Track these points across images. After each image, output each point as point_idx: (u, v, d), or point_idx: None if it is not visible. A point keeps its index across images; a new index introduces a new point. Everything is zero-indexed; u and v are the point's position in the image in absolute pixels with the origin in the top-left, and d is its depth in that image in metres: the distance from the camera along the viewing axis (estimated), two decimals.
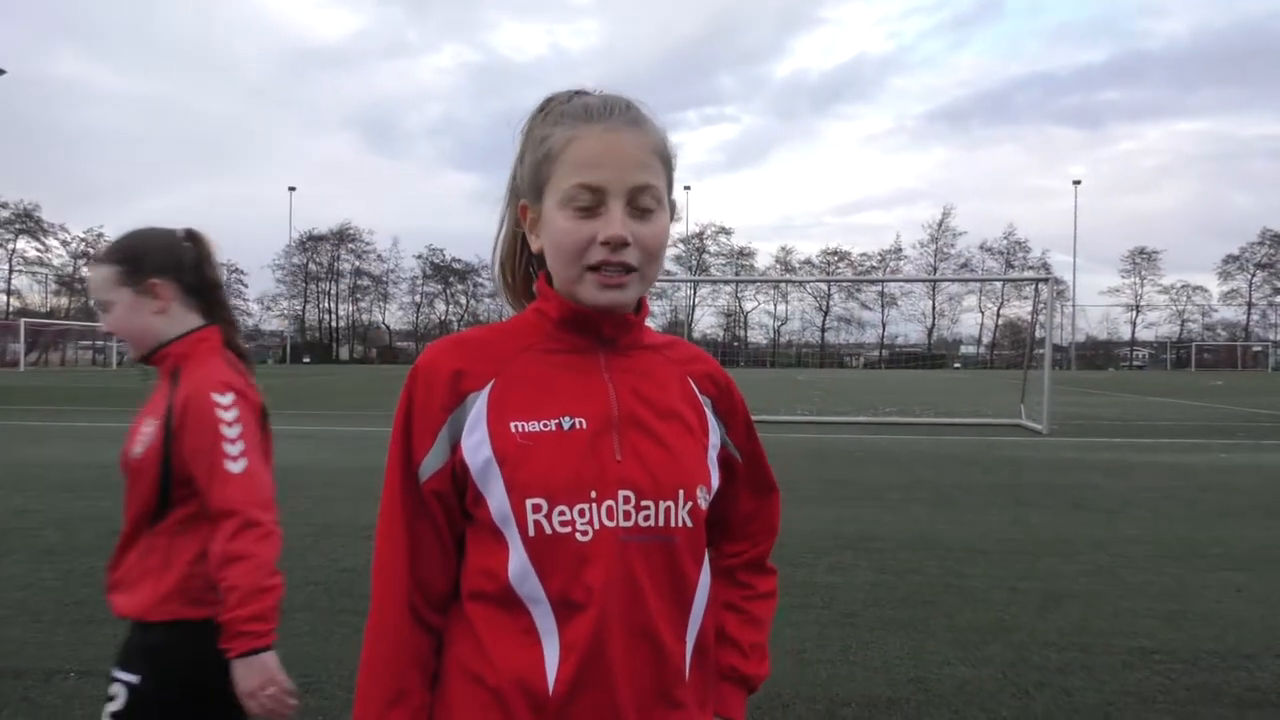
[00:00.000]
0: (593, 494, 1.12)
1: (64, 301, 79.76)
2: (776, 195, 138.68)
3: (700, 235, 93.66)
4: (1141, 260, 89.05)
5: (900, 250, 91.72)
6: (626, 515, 1.13)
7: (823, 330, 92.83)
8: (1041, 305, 20.14)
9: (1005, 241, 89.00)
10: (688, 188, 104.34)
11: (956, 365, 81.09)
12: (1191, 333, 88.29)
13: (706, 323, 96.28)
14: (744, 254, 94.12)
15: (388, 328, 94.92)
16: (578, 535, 1.11)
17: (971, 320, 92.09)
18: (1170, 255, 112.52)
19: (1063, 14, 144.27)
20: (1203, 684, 3.87)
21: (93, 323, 76.83)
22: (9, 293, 74.41)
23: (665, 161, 1.20)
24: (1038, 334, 21.69)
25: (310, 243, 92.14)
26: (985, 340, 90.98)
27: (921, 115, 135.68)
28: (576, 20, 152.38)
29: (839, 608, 4.97)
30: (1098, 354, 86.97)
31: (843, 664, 4.10)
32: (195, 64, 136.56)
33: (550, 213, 1.16)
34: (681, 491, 1.17)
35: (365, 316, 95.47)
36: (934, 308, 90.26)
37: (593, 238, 1.13)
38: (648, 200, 1.15)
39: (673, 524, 1.15)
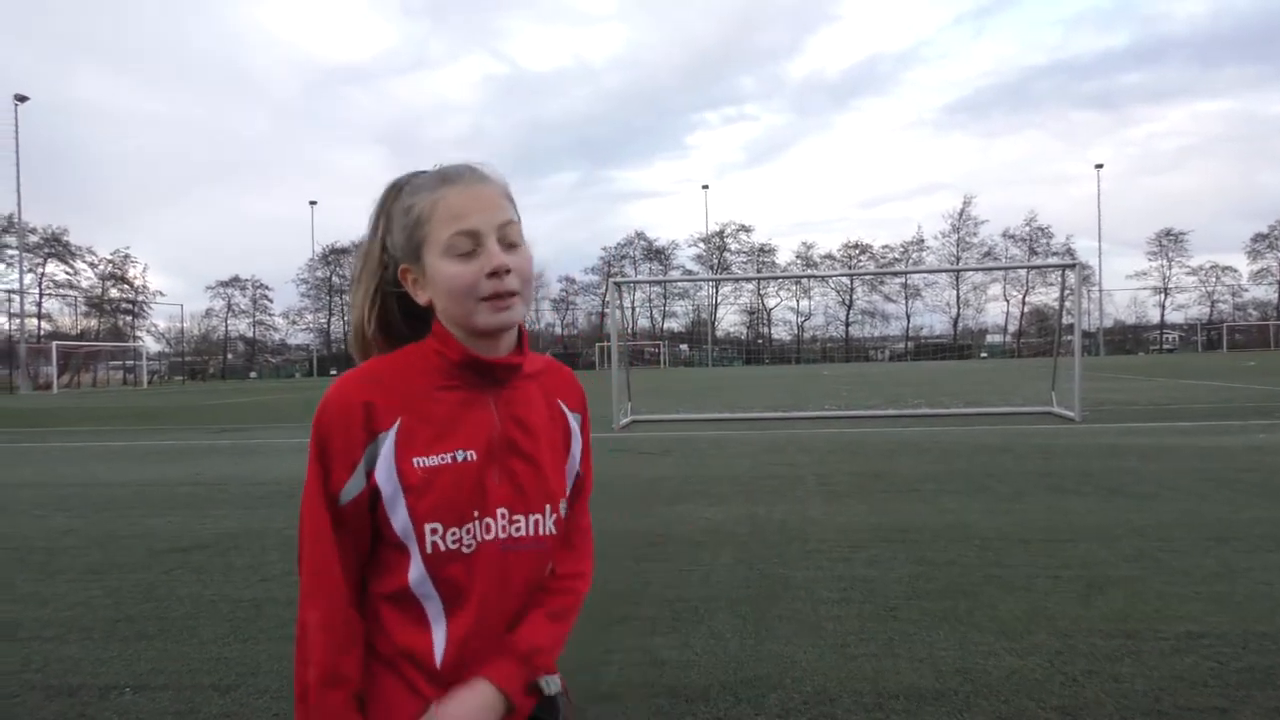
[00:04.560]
0: (476, 514, 1.36)
1: (93, 323, 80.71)
2: (797, 192, 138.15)
3: (721, 234, 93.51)
4: (1168, 242, 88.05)
5: (922, 241, 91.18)
6: (503, 529, 1.38)
7: (846, 324, 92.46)
8: (1069, 291, 19.97)
9: (1028, 228, 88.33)
10: (706, 187, 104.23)
11: (983, 355, 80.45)
12: (1222, 314, 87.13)
13: (729, 321, 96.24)
14: (765, 251, 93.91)
15: None
16: (464, 549, 1.36)
17: (997, 309, 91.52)
18: (1198, 236, 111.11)
19: (1081, 1, 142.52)
20: (1253, 666, 3.83)
21: (122, 343, 77.87)
22: (40, 316, 75.33)
23: (513, 203, 1.45)
24: (1066, 320, 21.49)
25: (333, 256, 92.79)
26: (1011, 329, 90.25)
27: (941, 107, 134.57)
28: (597, 27, 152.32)
29: (879, 601, 4.96)
30: (1126, 338, 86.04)
31: (887, 657, 4.10)
32: (217, 84, 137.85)
33: (435, 264, 1.36)
34: (548, 505, 1.43)
35: None
36: (958, 297, 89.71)
37: (479, 274, 1.34)
38: (513, 234, 1.39)
39: (541, 532, 1.42)
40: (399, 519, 1.33)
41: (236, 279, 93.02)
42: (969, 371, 43.87)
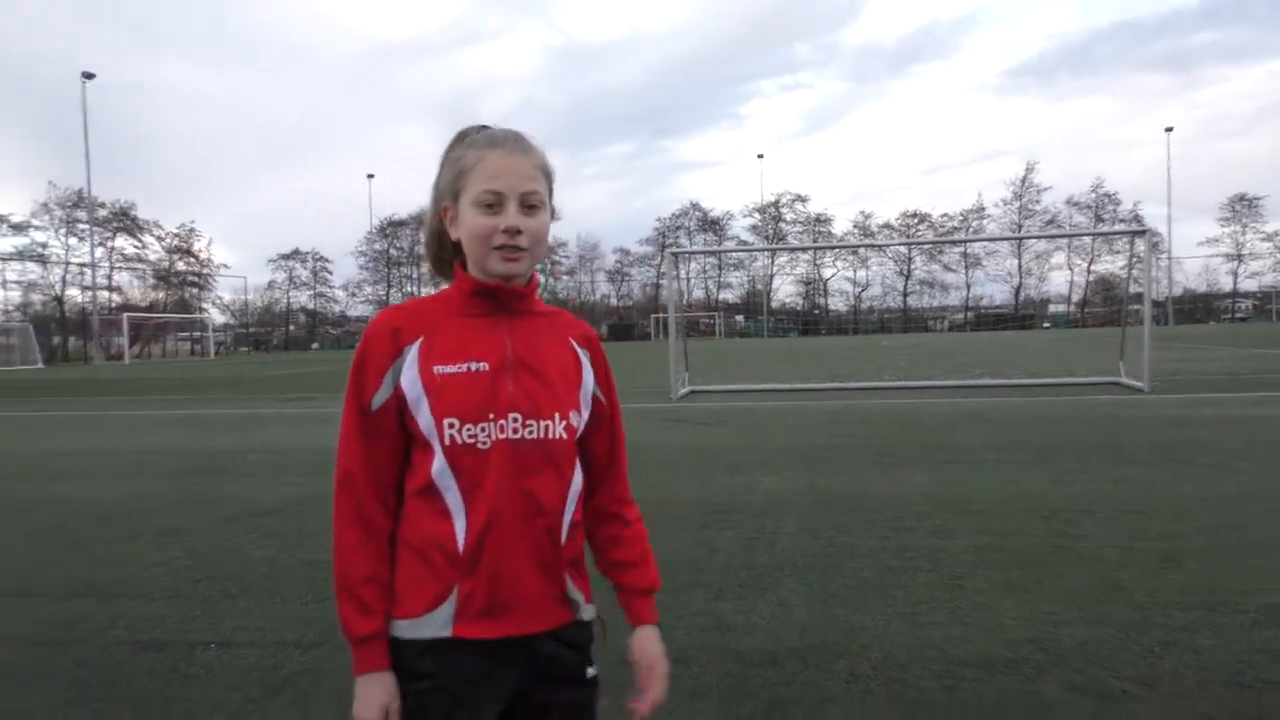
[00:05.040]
0: (490, 415, 1.55)
1: (161, 296, 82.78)
2: (854, 161, 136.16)
3: (776, 204, 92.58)
4: (1242, 208, 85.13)
5: (983, 209, 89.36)
6: (515, 430, 1.56)
7: (905, 295, 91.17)
8: (1137, 259, 19.47)
9: (1093, 195, 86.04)
10: (761, 156, 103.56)
11: (1046, 325, 78.80)
12: None
13: (785, 292, 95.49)
14: (821, 221, 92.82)
15: None
16: (479, 445, 1.55)
17: (1060, 278, 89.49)
18: (1274, 201, 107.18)
19: None
20: None
21: (189, 315, 79.84)
22: (110, 288, 77.45)
23: (547, 175, 1.67)
24: (1135, 288, 20.94)
25: (390, 228, 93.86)
26: (1075, 298, 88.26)
27: (1002, 71, 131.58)
28: None
29: (945, 570, 4.93)
30: (1196, 307, 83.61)
31: (956, 625, 4.07)
32: (278, 62, 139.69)
33: (465, 210, 1.62)
34: (557, 414, 1.61)
35: None
36: (1020, 266, 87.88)
37: (495, 228, 1.59)
38: (534, 200, 1.62)
39: (550, 436, 1.59)
40: (423, 418, 1.56)
41: (297, 251, 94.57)
42: (1031, 342, 43.07)
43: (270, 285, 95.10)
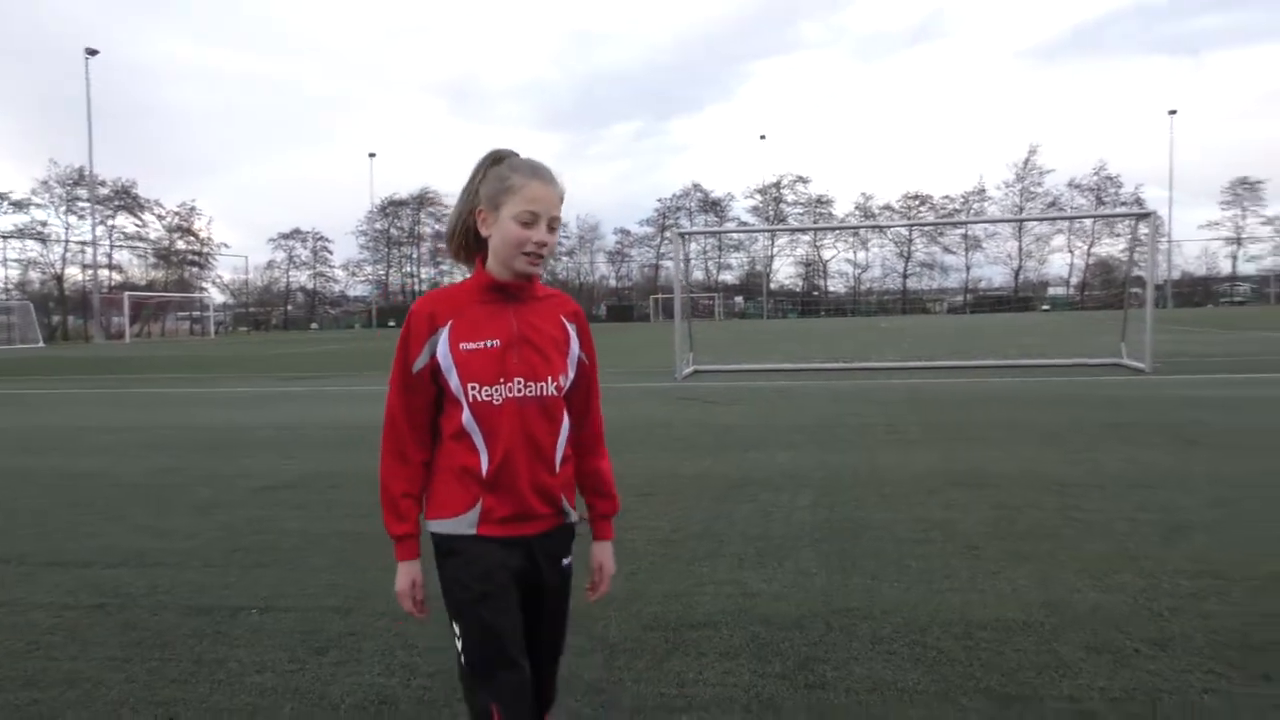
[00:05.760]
0: (501, 380, 2.07)
1: (161, 275, 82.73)
2: (856, 142, 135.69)
3: (777, 185, 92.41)
4: (1244, 191, 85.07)
5: (984, 191, 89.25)
6: (519, 391, 2.08)
7: (904, 276, 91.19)
8: (1139, 242, 19.56)
9: (1095, 177, 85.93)
10: (763, 137, 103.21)
11: (1045, 307, 78.93)
12: None
13: (784, 273, 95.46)
14: (822, 202, 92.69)
15: None
16: (494, 402, 2.08)
17: (1060, 261, 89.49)
18: (1275, 184, 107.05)
19: None
20: None
21: (189, 294, 79.82)
22: (110, 267, 77.39)
23: (562, 200, 2.14)
24: (1138, 271, 21.07)
25: (391, 208, 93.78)
26: (1074, 280, 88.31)
27: (1007, 53, 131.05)
28: None
29: (960, 541, 5.08)
30: (1196, 290, 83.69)
31: (972, 592, 4.22)
32: (281, 38, 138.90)
33: (505, 220, 2.07)
34: (549, 377, 2.12)
35: (446, 279, 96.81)
36: (1020, 249, 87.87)
37: (529, 239, 2.07)
38: (556, 223, 2.13)
39: (545, 394, 2.11)
40: (453, 381, 2.08)
41: (297, 231, 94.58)
42: (1032, 324, 43.19)
43: (270, 265, 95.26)
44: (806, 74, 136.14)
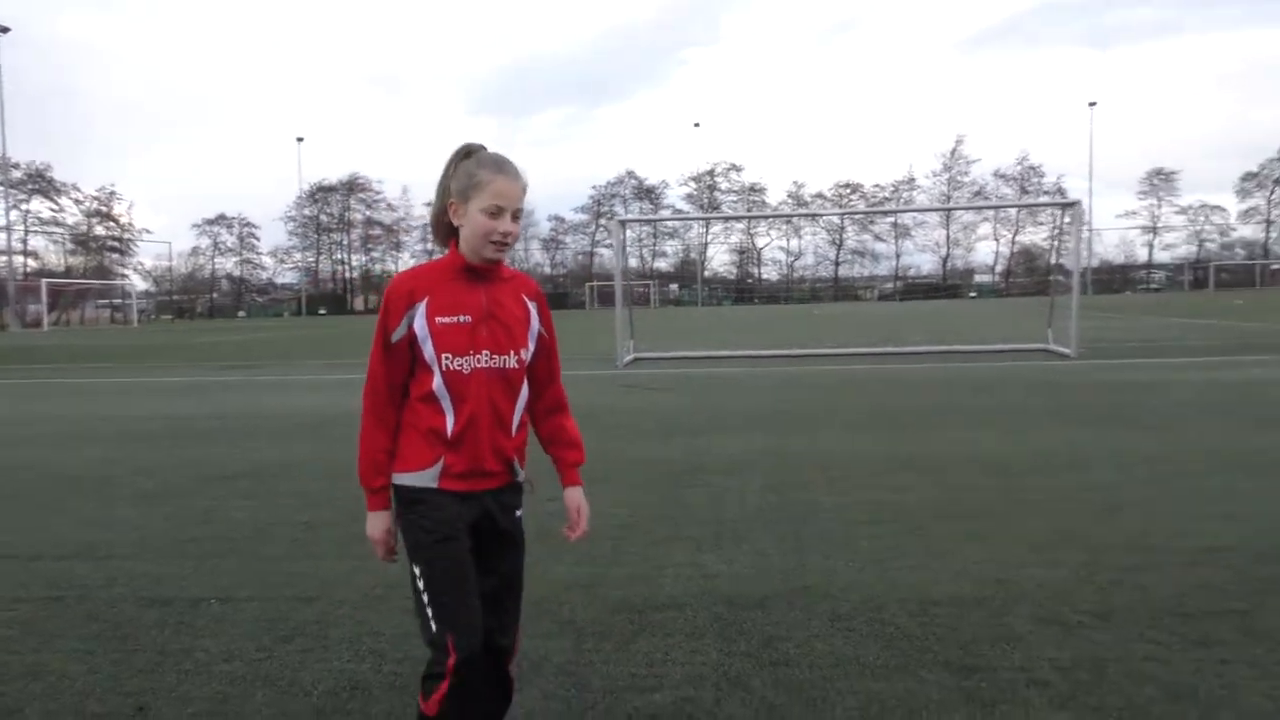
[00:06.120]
0: (471, 352, 2.29)
1: (79, 261, 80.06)
2: (788, 129, 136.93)
3: (711, 173, 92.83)
4: (1159, 181, 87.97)
5: (913, 180, 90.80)
6: (486, 361, 2.30)
7: (836, 264, 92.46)
8: (1058, 230, 20.14)
9: (1019, 167, 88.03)
10: (697, 125, 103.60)
11: (972, 294, 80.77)
12: (1209, 253, 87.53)
13: (719, 260, 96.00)
14: (755, 190, 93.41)
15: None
16: (464, 370, 2.29)
17: (986, 248, 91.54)
18: (1188, 175, 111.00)
19: None
20: (1268, 576, 4.12)
21: (110, 281, 77.40)
22: (25, 253, 74.63)
23: (525, 192, 2.35)
24: (1056, 259, 21.70)
25: (320, 194, 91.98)
26: (999, 268, 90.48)
27: (935, 43, 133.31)
28: None
29: (908, 521, 5.24)
30: (1114, 278, 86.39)
31: (924, 570, 4.37)
32: (206, 20, 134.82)
33: (473, 212, 2.28)
34: (512, 351, 2.35)
35: (378, 266, 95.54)
36: (948, 237, 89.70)
37: (495, 229, 2.27)
38: (519, 215, 2.34)
39: (508, 365, 2.34)
40: (428, 351, 2.28)
41: (223, 216, 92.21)
42: (961, 310, 44.21)
43: (194, 251, 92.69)
44: (739, 62, 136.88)
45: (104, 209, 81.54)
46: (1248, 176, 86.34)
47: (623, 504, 5.84)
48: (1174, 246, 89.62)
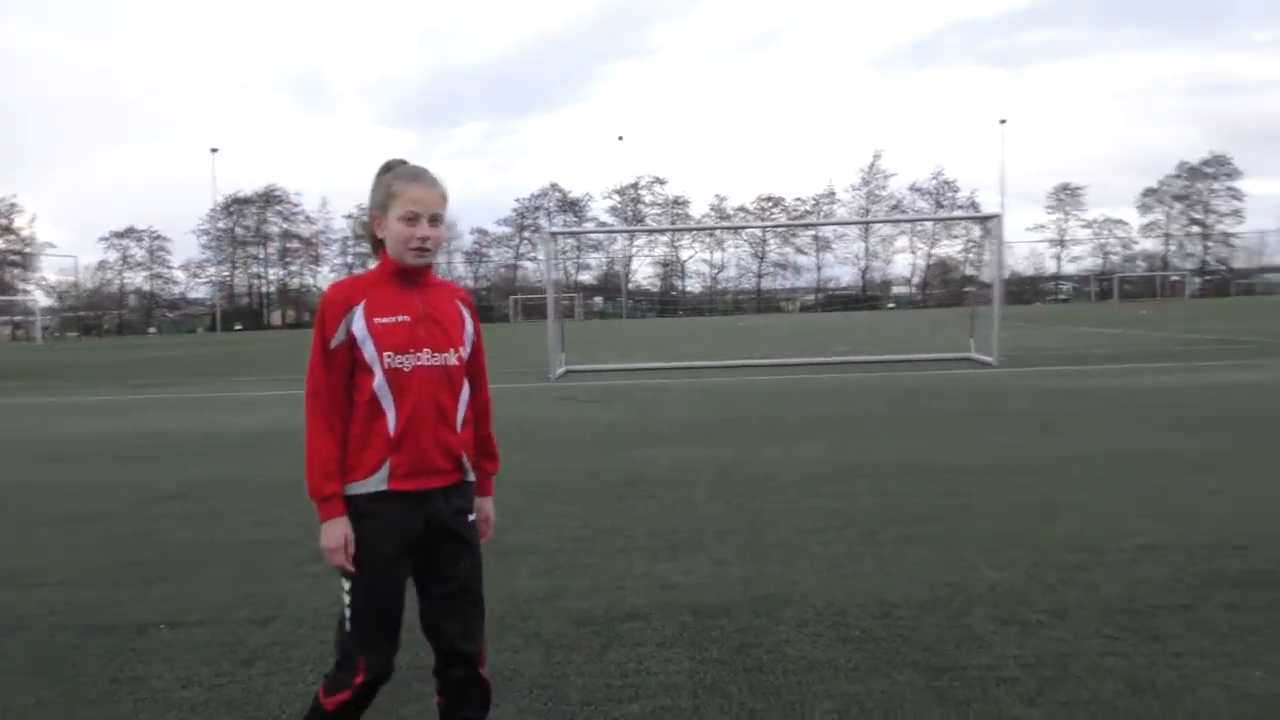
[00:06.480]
0: (411, 350, 2.33)
1: None
2: (711, 144, 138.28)
3: (635, 186, 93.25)
4: (1066, 196, 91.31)
5: (833, 194, 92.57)
6: (426, 360, 2.35)
7: (759, 276, 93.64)
8: (973, 243, 20.70)
9: (934, 182, 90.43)
10: (621, 138, 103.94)
11: (891, 305, 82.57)
12: (1113, 265, 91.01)
13: (643, 273, 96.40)
14: (679, 203, 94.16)
15: (320, 290, 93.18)
16: (405, 369, 2.33)
17: (904, 261, 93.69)
18: (1093, 191, 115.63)
19: None
20: (1205, 571, 4.30)
21: (11, 297, 74.24)
22: None
23: (444, 198, 2.44)
24: (970, 270, 22.33)
25: (235, 206, 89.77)
26: (916, 280, 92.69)
27: (853, 61, 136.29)
28: None
29: (858, 528, 5.32)
30: (1024, 289, 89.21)
31: (880, 574, 4.45)
32: (110, 24, 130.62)
33: (392, 221, 2.37)
34: (452, 349, 2.40)
35: (296, 280, 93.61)
36: (867, 250, 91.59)
37: (413, 234, 2.35)
38: (438, 218, 2.41)
39: (449, 363, 2.39)
40: (369, 351, 2.31)
41: (132, 229, 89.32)
42: (881, 321, 45.15)
43: (102, 265, 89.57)
44: (662, 76, 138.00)
45: (4, 221, 78.29)
46: (1148, 192, 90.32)
47: (572, 516, 5.83)
48: (1080, 259, 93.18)
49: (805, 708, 3.06)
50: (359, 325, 2.32)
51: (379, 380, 2.31)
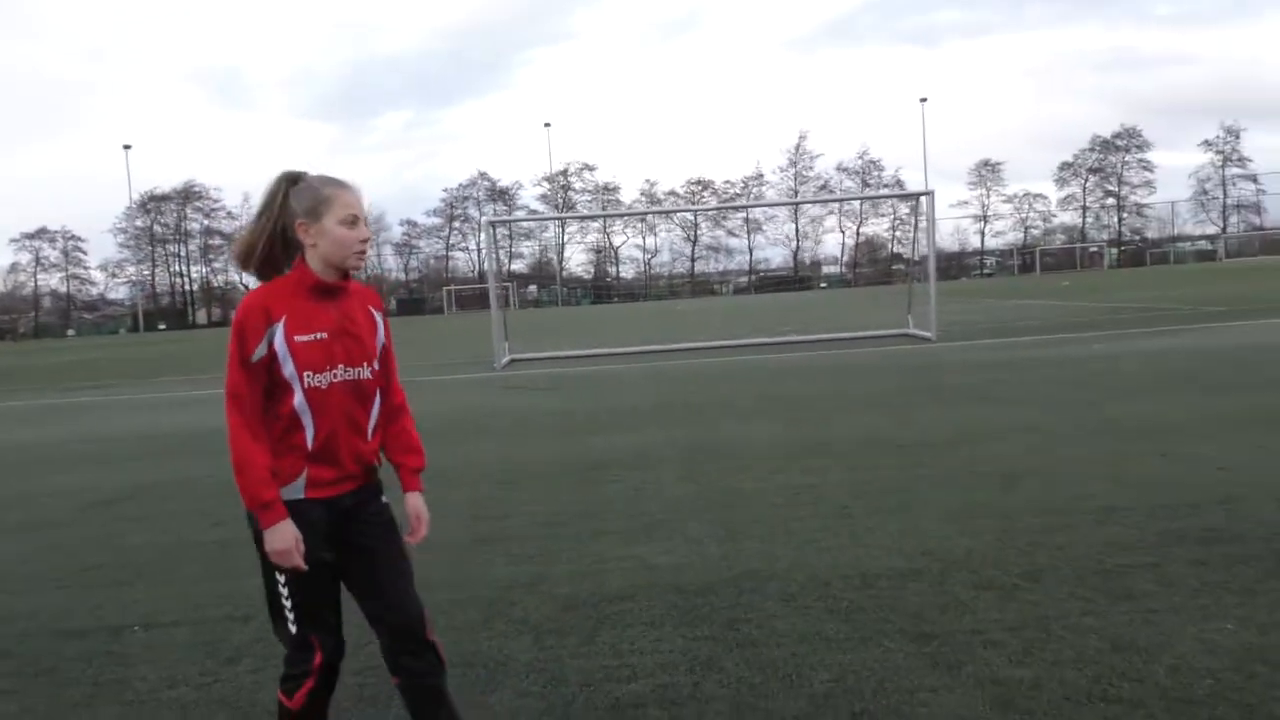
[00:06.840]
0: (328, 367, 2.35)
1: None
2: (639, 129, 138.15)
3: (565, 173, 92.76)
4: (986, 172, 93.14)
5: (761, 176, 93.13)
6: (341, 375, 2.37)
7: (692, 260, 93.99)
8: (899, 220, 21.11)
9: (860, 161, 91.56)
10: (548, 125, 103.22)
11: (822, 285, 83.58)
12: (1034, 238, 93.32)
13: (577, 260, 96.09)
14: (609, 189, 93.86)
15: (245, 287, 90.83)
16: (322, 385, 2.35)
17: (833, 240, 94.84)
18: (1012, 166, 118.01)
19: None
20: (1166, 530, 4.46)
21: None
22: None
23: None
24: (900, 248, 22.76)
25: (152, 203, 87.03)
26: (845, 259, 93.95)
27: (773, 42, 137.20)
28: None
29: (829, 504, 5.40)
30: (950, 264, 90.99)
31: (855, 548, 4.53)
32: (11, 15, 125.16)
33: (330, 226, 2.36)
34: (365, 363, 2.43)
35: (220, 277, 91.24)
36: (798, 230, 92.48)
37: (356, 238, 2.39)
38: (367, 220, 2.47)
39: (362, 376, 2.43)
40: (288, 369, 2.32)
41: (44, 230, 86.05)
42: (815, 301, 45.72)
43: (14, 268, 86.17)
44: (584, 62, 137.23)
45: None
46: (1064, 166, 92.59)
47: (540, 503, 5.82)
48: (1003, 234, 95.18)
49: (802, 679, 3.11)
50: (280, 342, 2.32)
51: (299, 399, 2.34)
